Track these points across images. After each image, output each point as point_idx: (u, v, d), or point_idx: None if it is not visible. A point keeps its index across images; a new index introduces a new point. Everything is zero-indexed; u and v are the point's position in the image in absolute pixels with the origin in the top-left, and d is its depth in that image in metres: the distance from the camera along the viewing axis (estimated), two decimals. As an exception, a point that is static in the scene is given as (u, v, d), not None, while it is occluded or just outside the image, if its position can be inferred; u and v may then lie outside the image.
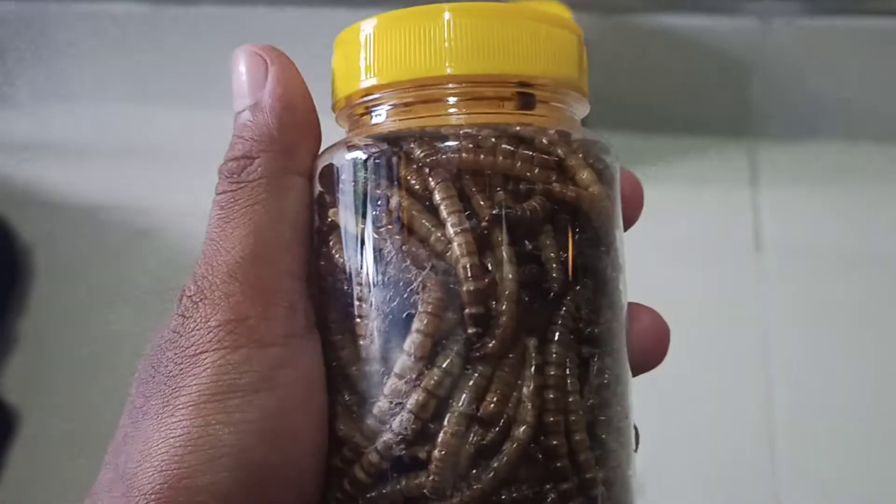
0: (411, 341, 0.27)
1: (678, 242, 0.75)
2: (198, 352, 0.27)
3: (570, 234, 0.28)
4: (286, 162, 0.30)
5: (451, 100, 0.29)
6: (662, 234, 0.76)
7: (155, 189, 0.82)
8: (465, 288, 0.27)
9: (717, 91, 0.82)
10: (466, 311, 0.27)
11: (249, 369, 0.27)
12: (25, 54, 0.95)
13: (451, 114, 0.29)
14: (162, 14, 0.89)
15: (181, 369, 0.27)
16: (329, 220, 0.29)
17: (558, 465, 0.27)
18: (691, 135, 0.83)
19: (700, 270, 0.73)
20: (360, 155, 0.29)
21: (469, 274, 0.27)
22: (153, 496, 0.26)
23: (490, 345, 0.27)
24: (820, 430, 0.64)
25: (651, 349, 0.33)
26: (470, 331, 0.27)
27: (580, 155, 0.29)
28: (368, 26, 0.29)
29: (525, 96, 0.30)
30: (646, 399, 0.63)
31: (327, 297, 0.29)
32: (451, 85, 0.29)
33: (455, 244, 0.27)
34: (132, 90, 0.92)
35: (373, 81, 0.29)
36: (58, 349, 0.77)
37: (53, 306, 0.80)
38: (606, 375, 0.29)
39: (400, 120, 0.30)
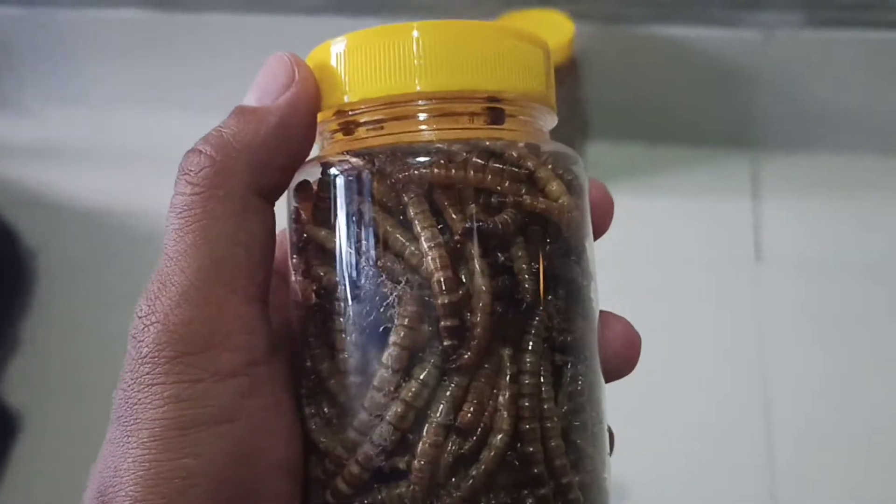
0: (389, 354, 0.27)
1: (679, 252, 0.75)
2: (154, 382, 0.26)
3: (541, 245, 0.29)
4: (254, 178, 0.29)
5: (422, 116, 0.30)
6: (663, 243, 0.76)
7: (159, 194, 0.82)
8: (439, 301, 0.27)
9: (719, 102, 0.82)
10: (442, 323, 0.27)
11: (212, 403, 0.27)
12: (32, 59, 0.95)
13: (423, 130, 0.30)
14: (168, 20, 0.89)
15: (139, 399, 0.26)
16: (304, 235, 0.30)
17: (535, 471, 0.28)
18: (693, 145, 0.83)
19: (700, 280, 0.73)
20: (333, 171, 0.29)
21: (443, 287, 0.27)
22: None
23: (466, 356, 0.27)
24: (819, 440, 0.64)
25: (623, 355, 0.33)
26: (446, 343, 0.27)
27: (549, 167, 0.30)
28: (339, 45, 0.30)
29: (494, 111, 0.30)
30: (645, 408, 0.64)
31: (305, 312, 0.30)
32: (421, 102, 0.29)
33: (429, 258, 0.27)
34: (138, 95, 0.93)
35: (344, 99, 0.29)
36: (61, 352, 0.77)
37: (57, 309, 0.80)
38: (580, 382, 0.30)
39: (372, 136, 0.30)
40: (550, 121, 0.33)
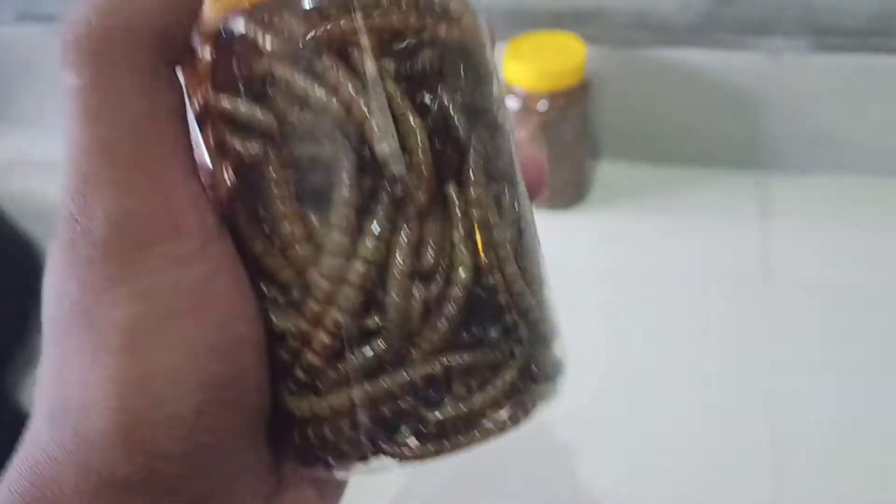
0: (338, 215, 0.26)
1: (686, 273, 0.75)
2: (110, 284, 0.24)
3: (458, 78, 0.28)
4: (165, 46, 0.25)
5: None
6: (671, 264, 0.76)
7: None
8: (379, 148, 0.26)
9: (727, 125, 0.83)
10: (385, 171, 0.26)
11: (177, 292, 0.24)
12: (53, 76, 0.96)
13: None
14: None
15: (96, 302, 0.24)
16: (206, 106, 0.27)
17: (499, 300, 0.28)
18: (701, 167, 0.84)
19: (707, 302, 0.73)
20: (242, 32, 0.26)
21: (380, 135, 0.26)
22: (114, 435, 0.24)
23: (419, 199, 0.27)
24: (826, 464, 0.64)
25: (535, 179, 0.32)
26: (395, 191, 0.26)
27: None
28: None
29: None
30: (651, 428, 0.64)
31: (228, 191, 0.28)
32: None
33: (356, 106, 0.26)
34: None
35: None
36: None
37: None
38: (517, 205, 0.30)
39: None
40: None
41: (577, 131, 0.79)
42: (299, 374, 0.27)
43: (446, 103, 0.27)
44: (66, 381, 0.24)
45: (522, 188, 0.31)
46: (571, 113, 0.77)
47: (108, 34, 0.24)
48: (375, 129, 0.26)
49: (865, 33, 0.77)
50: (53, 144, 0.97)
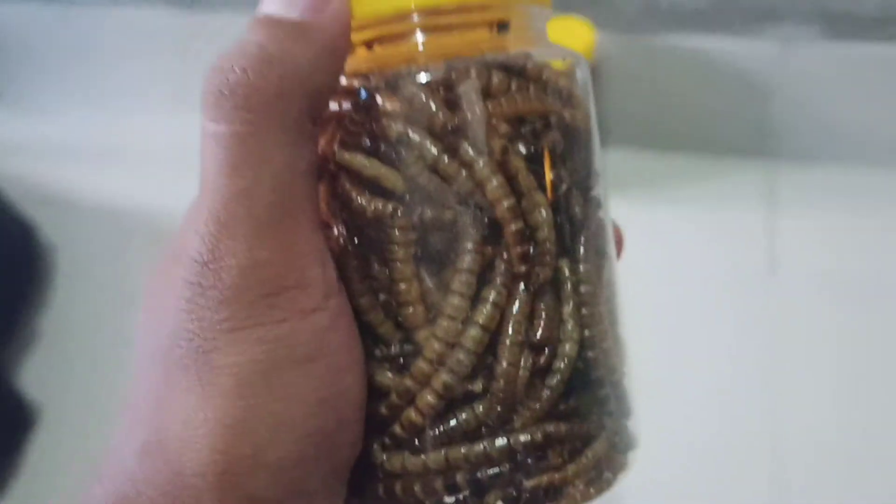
0: (460, 281, 0.27)
1: (693, 262, 0.75)
2: (235, 328, 0.24)
3: (571, 157, 0.29)
4: (310, 103, 0.26)
5: (435, 26, 0.29)
6: (678, 252, 0.76)
7: (177, 192, 0.83)
8: (512, 228, 0.27)
9: (736, 112, 0.82)
10: (515, 249, 0.27)
11: (297, 342, 0.25)
12: (52, 59, 0.96)
13: (421, 43, 0.29)
14: (189, 21, 0.90)
15: (215, 346, 0.24)
16: (350, 160, 0.28)
17: (597, 374, 0.29)
18: (710, 155, 0.84)
19: (714, 291, 0.73)
20: (382, 93, 0.28)
21: (512, 215, 0.27)
22: (212, 477, 0.24)
23: (541, 273, 0.28)
24: (831, 454, 0.64)
25: (617, 250, 0.33)
26: (521, 268, 0.27)
27: (573, 81, 0.30)
28: None
29: (502, 22, 0.30)
30: (655, 419, 0.64)
31: (340, 242, 0.29)
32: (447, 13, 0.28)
33: (492, 185, 0.27)
34: (158, 95, 0.93)
35: (381, 9, 0.28)
36: (78, 347, 0.78)
37: (74, 305, 0.81)
38: (612, 282, 0.31)
39: (394, 50, 0.29)
40: (547, 16, 0.32)
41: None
42: (397, 430, 0.28)
43: (566, 182, 0.29)
44: (168, 417, 0.25)
45: (614, 257, 0.32)
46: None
47: (264, 87, 0.25)
48: (505, 204, 0.27)
49: (877, 21, 0.76)
50: (50, 127, 0.97)
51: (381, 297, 0.28)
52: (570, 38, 0.75)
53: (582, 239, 0.29)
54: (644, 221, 0.79)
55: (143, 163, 0.90)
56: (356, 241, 0.28)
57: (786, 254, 0.75)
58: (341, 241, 0.28)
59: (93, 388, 0.73)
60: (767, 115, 0.81)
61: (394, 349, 0.28)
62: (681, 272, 0.74)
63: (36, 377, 0.76)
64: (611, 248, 0.31)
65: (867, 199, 0.79)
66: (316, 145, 0.27)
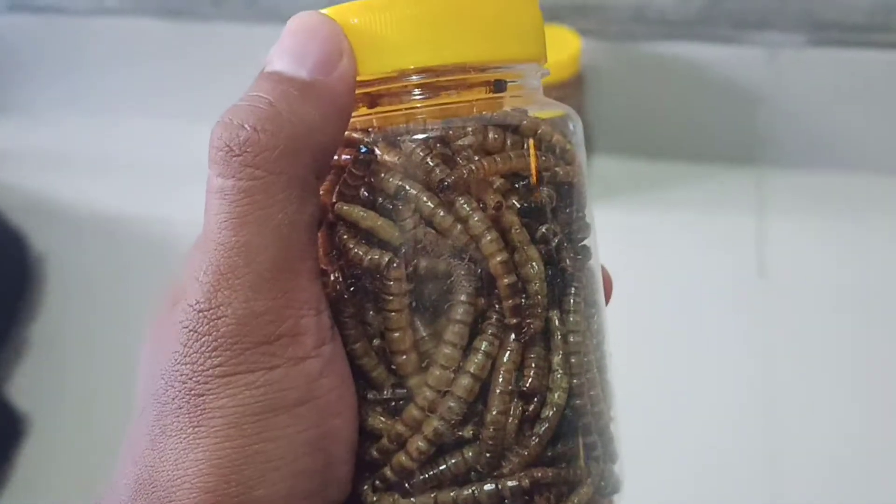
0: (453, 331, 0.28)
1: (682, 268, 0.75)
2: (227, 373, 0.25)
3: (568, 211, 0.30)
4: (316, 160, 0.27)
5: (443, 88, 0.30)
6: (667, 258, 0.76)
7: (168, 201, 0.83)
8: (504, 282, 0.28)
9: (724, 119, 0.82)
10: (506, 303, 0.28)
11: (288, 387, 0.26)
12: (44, 66, 0.96)
13: (419, 102, 0.30)
14: (180, 30, 0.90)
15: (208, 389, 0.25)
16: (348, 211, 0.29)
17: (584, 421, 0.30)
18: (697, 162, 0.84)
19: (703, 296, 0.73)
20: (380, 147, 0.29)
21: (505, 270, 0.28)
22: None
23: (533, 325, 0.29)
24: (822, 458, 0.64)
25: (606, 295, 0.34)
26: (512, 321, 0.28)
27: (567, 136, 0.31)
28: (371, 7, 0.28)
29: (498, 80, 0.30)
30: (646, 422, 0.64)
31: (336, 290, 0.29)
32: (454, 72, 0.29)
33: (486, 240, 0.28)
34: (149, 104, 0.93)
35: (382, 67, 0.29)
36: (68, 356, 0.77)
37: (65, 313, 0.81)
38: (601, 330, 0.32)
39: (398, 109, 0.30)
40: (543, 74, 0.33)
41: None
42: (388, 473, 0.29)
43: (558, 235, 0.30)
44: (160, 456, 0.25)
45: (603, 305, 0.33)
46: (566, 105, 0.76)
47: (273, 145, 0.26)
48: (498, 259, 0.28)
49: (864, 28, 0.76)
50: (40, 135, 0.97)
51: (376, 342, 0.29)
52: (557, 47, 0.75)
53: (572, 290, 0.30)
54: (633, 228, 0.80)
55: (133, 171, 0.90)
56: (352, 289, 0.29)
57: (775, 259, 0.76)
58: (338, 287, 0.29)
59: (83, 398, 0.73)
60: (755, 122, 0.81)
61: (386, 394, 0.29)
62: (670, 278, 0.74)
63: (26, 387, 0.76)
64: (600, 296, 0.32)
65: (855, 205, 0.79)
66: (319, 199, 0.28)
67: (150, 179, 0.88)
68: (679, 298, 0.73)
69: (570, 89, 0.76)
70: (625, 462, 0.33)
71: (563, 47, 0.75)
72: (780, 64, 0.78)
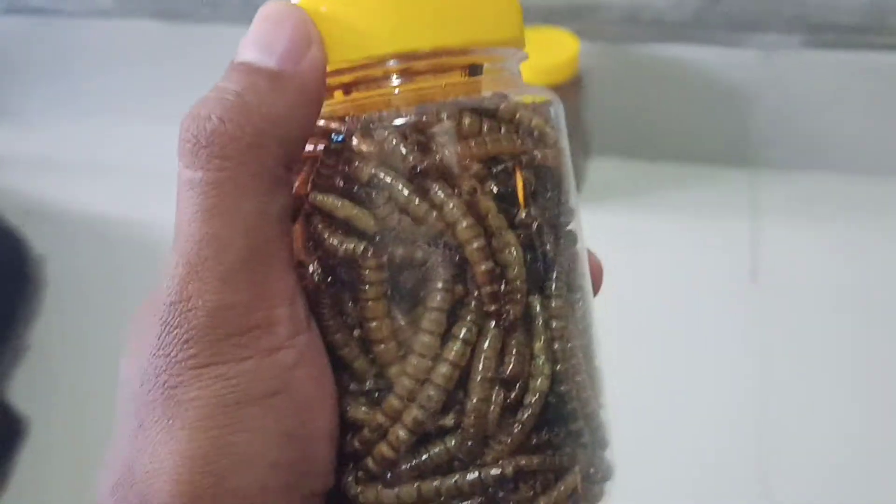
0: (429, 319, 0.28)
1: (675, 270, 0.75)
2: (199, 365, 0.25)
3: (549, 195, 0.30)
4: (285, 151, 0.27)
5: (416, 72, 0.29)
6: (660, 260, 0.76)
7: (165, 204, 0.83)
8: (482, 268, 0.28)
9: (718, 121, 0.82)
10: (484, 289, 0.28)
11: (261, 378, 0.26)
12: (38, 70, 0.96)
13: (414, 85, 0.29)
14: (176, 32, 0.90)
15: (181, 381, 0.25)
16: (322, 201, 0.29)
17: (569, 407, 0.29)
18: (692, 164, 0.84)
19: (696, 299, 0.73)
20: (355, 135, 0.28)
21: (482, 256, 0.28)
22: None
23: (512, 311, 0.28)
24: (816, 462, 0.64)
25: (595, 281, 0.34)
26: (491, 308, 0.28)
27: (544, 119, 0.30)
28: None
29: (473, 65, 0.30)
30: (639, 427, 0.64)
31: (314, 281, 0.29)
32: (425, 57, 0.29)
33: (462, 226, 0.28)
34: (145, 107, 0.93)
35: (354, 55, 0.28)
36: (66, 358, 0.77)
37: (63, 316, 0.81)
38: (587, 315, 0.31)
39: (373, 95, 0.29)
40: (522, 58, 0.32)
41: (568, 127, 0.79)
42: (370, 464, 0.29)
43: (538, 220, 0.29)
44: (138, 450, 0.25)
45: (590, 291, 0.32)
46: (563, 108, 0.77)
47: (241, 137, 0.26)
48: (474, 245, 0.28)
49: (858, 30, 0.77)
50: (36, 138, 0.97)
51: (356, 333, 0.29)
52: (555, 49, 0.76)
53: (554, 275, 0.29)
54: (627, 229, 0.80)
55: (130, 173, 0.90)
56: (329, 280, 0.29)
57: (768, 261, 0.76)
58: (316, 278, 0.29)
59: (82, 400, 0.73)
60: (750, 124, 0.82)
61: (368, 384, 0.29)
62: (664, 280, 0.75)
63: (25, 389, 0.76)
64: (586, 281, 0.32)
65: (849, 207, 0.79)
66: (290, 190, 0.28)
67: (147, 182, 0.87)
68: (672, 300, 0.73)
69: (568, 91, 0.76)
70: (617, 449, 0.32)
71: (562, 50, 0.75)
72: (775, 66, 0.78)
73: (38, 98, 0.97)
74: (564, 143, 0.31)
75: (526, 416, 0.29)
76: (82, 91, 0.95)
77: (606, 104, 0.82)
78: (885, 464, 0.64)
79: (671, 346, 0.70)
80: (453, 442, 0.28)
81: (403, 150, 0.28)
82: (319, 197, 0.29)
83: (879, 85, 0.78)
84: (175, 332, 0.25)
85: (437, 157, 0.28)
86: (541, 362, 0.29)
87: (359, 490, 0.29)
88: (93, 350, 0.76)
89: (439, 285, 0.28)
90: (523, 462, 0.28)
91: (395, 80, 0.29)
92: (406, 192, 0.28)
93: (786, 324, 0.71)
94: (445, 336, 0.28)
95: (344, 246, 0.28)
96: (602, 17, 0.80)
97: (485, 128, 0.29)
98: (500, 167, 0.29)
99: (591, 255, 0.34)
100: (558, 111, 0.31)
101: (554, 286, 0.29)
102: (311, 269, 0.29)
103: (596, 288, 0.34)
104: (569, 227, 0.31)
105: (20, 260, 0.83)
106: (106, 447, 0.28)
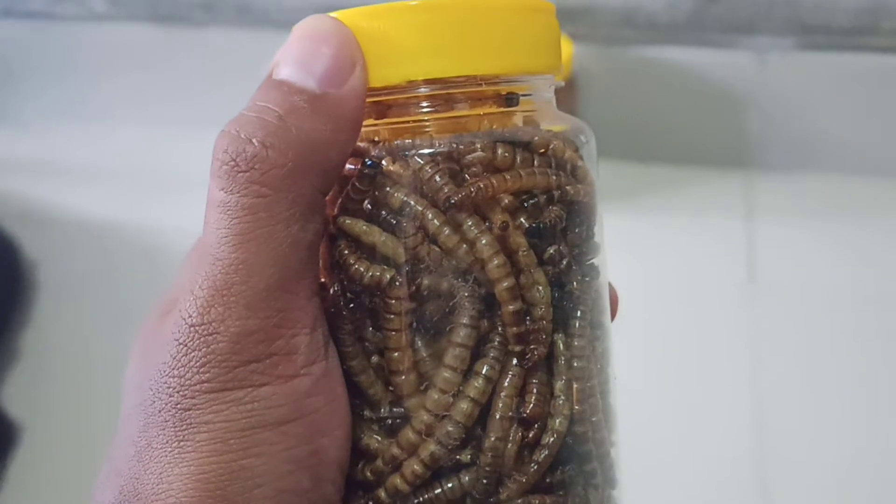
0: (453, 355, 0.27)
1: (672, 272, 0.75)
2: (214, 389, 0.25)
3: (578, 231, 0.29)
4: (324, 178, 0.26)
5: (453, 100, 0.29)
6: (656, 263, 0.76)
7: (160, 209, 0.84)
8: (509, 308, 0.27)
9: (713, 123, 0.83)
10: (511, 329, 0.27)
11: (276, 404, 0.26)
12: (34, 74, 0.96)
13: (429, 116, 0.29)
14: (173, 37, 0.90)
15: (194, 404, 0.25)
16: (350, 225, 0.28)
17: (585, 448, 0.29)
18: (687, 166, 0.84)
19: (693, 301, 0.73)
20: (387, 161, 0.28)
21: (511, 296, 0.27)
22: None
23: (537, 351, 0.28)
24: (813, 464, 0.64)
25: (612, 312, 0.33)
26: (516, 348, 0.28)
27: (577, 153, 0.30)
28: (377, 15, 0.27)
29: (510, 94, 0.30)
30: (635, 428, 0.64)
31: (335, 303, 0.29)
32: (465, 86, 0.28)
33: (492, 265, 0.27)
34: (140, 111, 0.93)
35: (393, 79, 0.28)
36: (61, 363, 0.77)
37: (57, 321, 0.80)
38: (606, 353, 0.31)
39: (406, 121, 0.29)
40: (556, 84, 0.32)
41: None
42: (382, 494, 0.28)
43: (567, 257, 0.28)
44: (145, 469, 0.25)
45: (609, 327, 0.31)
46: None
47: (283, 163, 0.25)
48: (504, 284, 0.27)
49: (851, 32, 0.77)
50: (32, 143, 0.96)
51: (374, 359, 0.28)
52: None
53: (578, 314, 0.29)
54: (623, 232, 0.79)
55: (125, 178, 0.90)
56: (351, 305, 0.28)
57: (764, 262, 0.76)
58: (337, 301, 0.28)
59: (75, 406, 0.73)
60: (744, 126, 0.82)
61: (383, 412, 0.28)
62: (660, 282, 0.75)
63: (18, 394, 0.76)
64: (606, 317, 0.31)
65: (845, 208, 0.79)
66: (323, 215, 0.27)
67: (142, 187, 0.88)
68: (669, 302, 0.73)
69: (562, 93, 0.76)
70: (624, 489, 0.32)
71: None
72: (769, 68, 0.78)
73: (33, 102, 0.97)
74: (594, 174, 0.31)
75: (543, 455, 0.28)
76: (77, 95, 0.95)
77: (601, 106, 0.82)
78: (885, 464, 0.64)
79: (668, 348, 0.70)
80: (468, 478, 0.28)
81: (437, 180, 0.27)
82: (348, 221, 0.28)
83: (873, 86, 0.78)
84: (193, 354, 0.25)
85: (471, 189, 0.27)
86: (561, 402, 0.28)
87: None
88: (86, 355, 0.76)
89: (465, 321, 0.27)
90: (537, 501, 0.28)
91: (428, 107, 0.29)
92: (437, 223, 0.27)
93: (783, 325, 0.71)
94: (467, 372, 0.28)
95: (370, 273, 0.28)
96: (596, 20, 0.80)
97: (518, 159, 0.28)
98: (532, 201, 0.29)
99: (610, 287, 0.33)
100: (589, 140, 0.31)
101: (577, 324, 0.29)
102: (332, 291, 0.29)
103: (611, 316, 0.33)
104: (593, 262, 0.30)
105: (14, 264, 0.82)
106: (101, 456, 0.27)
